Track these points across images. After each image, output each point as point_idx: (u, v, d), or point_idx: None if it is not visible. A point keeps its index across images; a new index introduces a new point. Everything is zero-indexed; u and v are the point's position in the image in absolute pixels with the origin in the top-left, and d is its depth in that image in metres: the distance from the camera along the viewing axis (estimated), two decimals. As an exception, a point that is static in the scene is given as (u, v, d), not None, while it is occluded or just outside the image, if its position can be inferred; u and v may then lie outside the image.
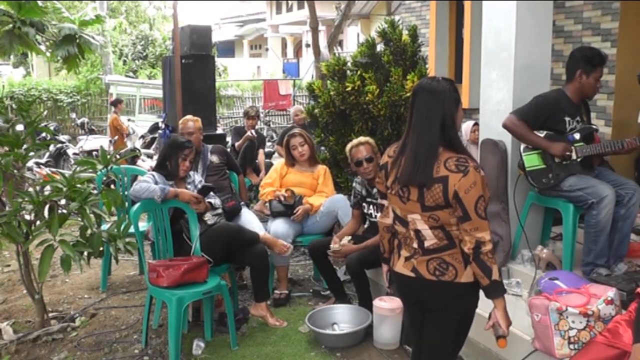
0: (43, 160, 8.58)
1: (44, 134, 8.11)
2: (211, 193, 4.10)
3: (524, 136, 3.51)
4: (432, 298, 2.31)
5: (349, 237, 4.06)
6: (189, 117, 4.81)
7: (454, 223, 2.18)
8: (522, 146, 3.59)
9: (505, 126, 3.55)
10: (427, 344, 2.39)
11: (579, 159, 3.47)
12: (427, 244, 2.25)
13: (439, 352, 2.36)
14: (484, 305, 3.26)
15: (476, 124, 5.62)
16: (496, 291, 2.19)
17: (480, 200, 2.13)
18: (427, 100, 2.21)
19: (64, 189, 3.44)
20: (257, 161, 7.07)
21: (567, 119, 3.50)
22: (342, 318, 3.87)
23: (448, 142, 2.18)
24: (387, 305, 3.61)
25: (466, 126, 5.63)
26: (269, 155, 8.21)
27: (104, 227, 3.74)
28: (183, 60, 6.56)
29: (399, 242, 2.39)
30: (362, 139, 4.06)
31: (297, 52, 27.63)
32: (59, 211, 3.50)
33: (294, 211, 4.43)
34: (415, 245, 2.28)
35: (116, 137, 10.17)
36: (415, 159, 2.18)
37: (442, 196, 2.14)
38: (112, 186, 5.34)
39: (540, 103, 3.50)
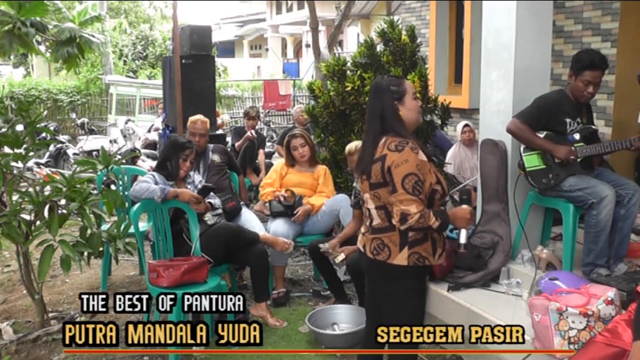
0: (43, 160, 8.56)
1: (44, 134, 8.10)
2: (211, 193, 4.10)
3: (528, 140, 3.50)
4: (368, 274, 2.61)
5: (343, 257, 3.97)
6: (199, 116, 4.76)
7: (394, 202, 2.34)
8: (522, 146, 3.58)
9: (509, 130, 3.53)
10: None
11: (578, 160, 3.47)
12: (374, 223, 2.46)
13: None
14: (488, 308, 3.30)
15: (467, 125, 5.63)
16: (442, 226, 2.36)
17: (409, 177, 2.30)
18: (371, 97, 2.52)
19: (64, 189, 3.44)
20: (257, 161, 7.07)
21: (567, 120, 3.49)
22: (342, 318, 3.87)
23: (392, 131, 2.41)
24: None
25: (458, 127, 5.66)
26: (269, 155, 8.21)
27: (104, 227, 3.73)
28: (183, 61, 6.54)
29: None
30: (352, 147, 4.05)
31: (297, 53, 27.62)
32: (59, 211, 3.50)
33: (294, 212, 4.43)
34: (368, 223, 2.52)
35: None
36: (364, 149, 2.50)
37: (380, 173, 2.37)
38: (112, 186, 5.34)
39: (542, 105, 3.48)
